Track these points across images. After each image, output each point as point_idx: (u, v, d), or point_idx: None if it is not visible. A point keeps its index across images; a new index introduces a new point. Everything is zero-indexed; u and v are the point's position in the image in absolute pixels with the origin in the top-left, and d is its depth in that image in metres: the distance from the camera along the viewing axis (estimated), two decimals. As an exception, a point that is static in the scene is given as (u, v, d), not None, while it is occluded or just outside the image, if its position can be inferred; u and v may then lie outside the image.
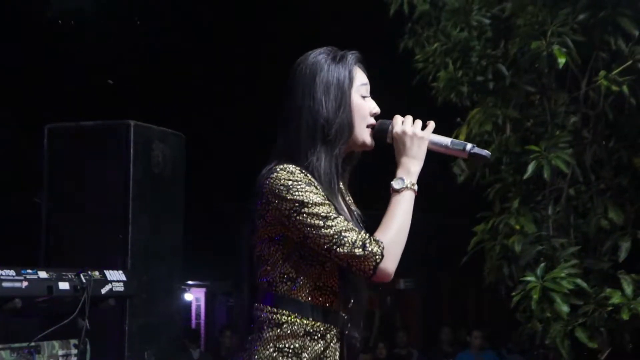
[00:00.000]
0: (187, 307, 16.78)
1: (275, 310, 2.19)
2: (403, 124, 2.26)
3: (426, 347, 11.98)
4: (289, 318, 2.18)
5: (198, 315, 17.42)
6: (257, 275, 2.25)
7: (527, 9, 5.17)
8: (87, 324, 3.63)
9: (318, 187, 2.17)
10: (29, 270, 3.47)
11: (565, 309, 4.69)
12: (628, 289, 4.65)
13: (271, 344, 2.17)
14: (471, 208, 5.81)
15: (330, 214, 2.14)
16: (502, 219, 5.26)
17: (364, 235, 2.14)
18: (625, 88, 4.75)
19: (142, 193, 4.32)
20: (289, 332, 2.17)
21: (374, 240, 2.13)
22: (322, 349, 2.19)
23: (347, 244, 2.11)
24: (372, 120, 2.30)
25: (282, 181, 2.16)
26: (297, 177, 2.16)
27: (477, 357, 9.62)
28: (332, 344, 2.22)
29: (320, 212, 2.13)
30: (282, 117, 2.28)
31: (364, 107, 2.29)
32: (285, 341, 2.17)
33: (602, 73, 4.84)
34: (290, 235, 2.18)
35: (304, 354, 2.17)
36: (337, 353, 2.24)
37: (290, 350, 2.16)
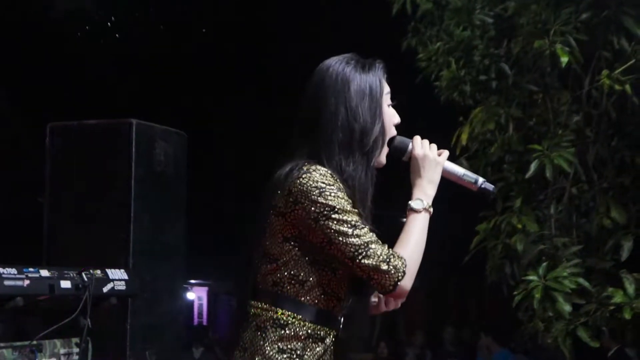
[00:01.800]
0: (190, 306, 16.79)
1: (279, 310, 2.18)
2: (423, 147, 2.30)
3: (430, 347, 11.98)
4: (293, 320, 2.17)
5: (200, 313, 17.43)
6: (259, 272, 2.23)
7: (530, 8, 5.16)
8: (89, 323, 3.62)
9: (349, 195, 2.17)
10: (31, 269, 3.46)
11: (567, 308, 4.68)
12: (630, 288, 4.64)
13: (275, 345, 2.16)
14: (474, 207, 5.80)
15: (359, 223, 2.14)
16: (504, 218, 5.26)
17: (388, 250, 2.15)
18: (628, 87, 4.74)
19: (144, 192, 4.31)
20: (292, 333, 2.17)
21: (398, 256, 2.14)
22: (322, 351, 2.20)
23: (374, 256, 2.12)
24: (394, 131, 2.33)
25: (315, 183, 2.13)
26: (330, 181, 2.15)
27: (492, 357, 9.63)
28: (330, 347, 2.23)
29: (349, 219, 2.13)
30: (309, 123, 2.26)
31: (390, 116, 2.31)
32: (288, 342, 2.16)
33: (605, 72, 4.83)
34: (312, 238, 2.16)
35: (306, 356, 2.17)
36: (332, 356, 2.25)
37: (293, 352, 2.16)
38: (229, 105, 11.86)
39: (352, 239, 2.11)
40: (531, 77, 5.41)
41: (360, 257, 2.11)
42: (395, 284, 2.12)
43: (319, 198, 2.12)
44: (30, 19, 9.78)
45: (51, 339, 3.63)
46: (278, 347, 2.15)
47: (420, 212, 2.23)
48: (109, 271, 3.81)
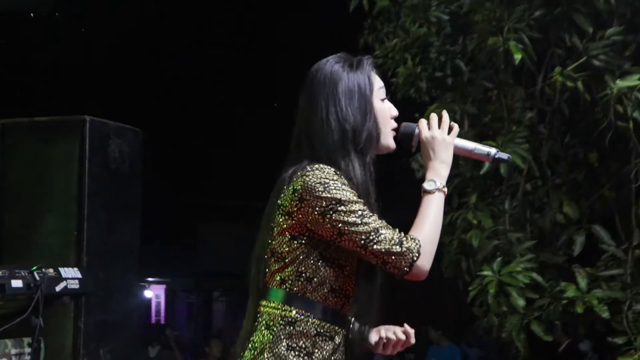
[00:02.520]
0: (147, 304, 16.67)
1: (287, 307, 2.18)
2: (431, 129, 2.29)
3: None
4: (302, 317, 2.17)
5: (158, 312, 17.32)
6: (268, 272, 2.24)
7: (485, 5, 5.20)
8: (41, 322, 3.58)
9: (352, 188, 2.18)
10: (-19, 268, 3.41)
11: (521, 302, 4.74)
12: (582, 283, 4.71)
13: (284, 342, 2.16)
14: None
15: (366, 212, 2.14)
16: (460, 214, 5.30)
17: (400, 233, 2.15)
18: (580, 84, 4.80)
19: (98, 189, 4.27)
20: (301, 330, 2.16)
21: (411, 237, 2.14)
22: (332, 350, 2.19)
23: (385, 241, 2.12)
24: (394, 123, 2.32)
25: (318, 179, 2.15)
26: (333, 176, 2.16)
27: (440, 351, 9.74)
28: (340, 346, 2.22)
29: (356, 209, 2.13)
30: (305, 127, 2.27)
31: (385, 110, 2.30)
32: (297, 339, 2.16)
33: (558, 69, 4.89)
34: (321, 233, 2.16)
35: (316, 354, 2.16)
36: (343, 356, 2.25)
37: (303, 349, 2.16)
38: (189, 102, 11.80)
39: (362, 227, 2.12)
40: (486, 74, 5.46)
41: (371, 244, 2.12)
42: (411, 265, 2.12)
43: (323, 193, 2.14)
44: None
45: (2, 339, 3.58)
46: (287, 344, 2.15)
47: (434, 193, 2.23)
48: (61, 270, 3.76)
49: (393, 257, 2.13)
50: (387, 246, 2.12)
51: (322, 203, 2.14)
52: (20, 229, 4.29)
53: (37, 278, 3.57)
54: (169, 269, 15.56)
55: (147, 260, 4.81)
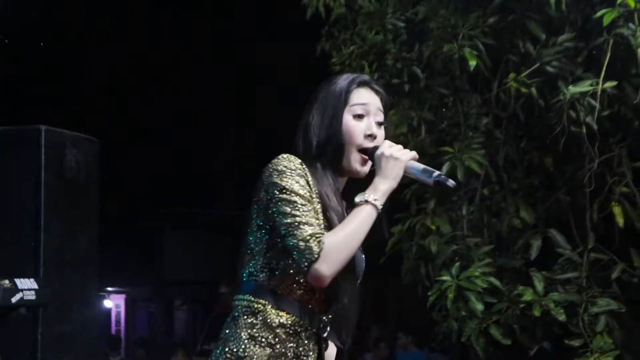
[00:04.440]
0: (107, 314, 16.51)
1: (252, 299, 2.20)
2: (385, 147, 2.27)
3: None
4: (265, 307, 2.18)
5: (118, 321, 17.16)
6: (242, 264, 2.26)
7: (440, 13, 5.25)
8: (-3, 334, 3.54)
9: (310, 184, 2.20)
10: None
11: (479, 307, 4.78)
12: (539, 286, 4.77)
13: (246, 331, 2.17)
14: (389, 209, 5.85)
15: (302, 207, 2.15)
16: (419, 219, 5.33)
17: (316, 232, 2.14)
18: (534, 90, 4.87)
19: (54, 198, 4.23)
20: (262, 321, 2.18)
21: (318, 240, 2.12)
22: (296, 345, 2.19)
23: (297, 236, 2.12)
24: (366, 143, 2.30)
25: (277, 166, 2.20)
26: (293, 166, 2.20)
27: (407, 357, 9.81)
28: (307, 343, 2.22)
29: (294, 200, 2.15)
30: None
31: (354, 127, 2.29)
32: (259, 330, 2.17)
33: (512, 75, 4.95)
34: (272, 221, 2.19)
35: (277, 346, 2.17)
36: (313, 355, 2.24)
37: (264, 340, 2.16)
38: (145, 111, 11.72)
39: (288, 219, 2.14)
40: (442, 81, 5.50)
41: (288, 236, 2.14)
42: (309, 265, 2.11)
43: (276, 179, 2.18)
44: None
45: (-43, 351, 3.53)
46: (249, 334, 2.17)
47: (360, 205, 2.20)
48: (17, 281, 3.72)
49: (296, 254, 2.13)
50: (295, 241, 2.13)
51: (270, 188, 2.18)
52: (-25, 240, 4.23)
53: (-7, 290, 3.53)
54: (129, 278, 15.42)
55: (107, 270, 4.77)
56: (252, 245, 2.24)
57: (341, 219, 2.21)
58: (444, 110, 5.65)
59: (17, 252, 4.13)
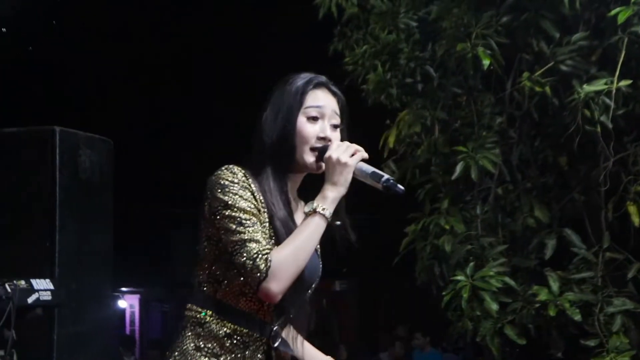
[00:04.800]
0: (121, 314, 16.57)
1: (199, 309, 2.19)
2: (336, 150, 2.21)
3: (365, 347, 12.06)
4: (211, 319, 2.17)
5: (132, 322, 17.21)
6: (193, 275, 2.25)
7: (453, 12, 5.24)
8: (14, 335, 3.56)
9: (255, 195, 2.16)
10: (-49, 281, 3.39)
11: (494, 307, 4.77)
12: (554, 286, 4.75)
13: (192, 342, 2.17)
14: (402, 209, 5.86)
15: (247, 222, 2.12)
16: (433, 219, 5.32)
17: (264, 249, 2.10)
18: (547, 89, 4.85)
19: (69, 200, 4.25)
20: (209, 332, 2.17)
21: (265, 257, 2.09)
22: (242, 356, 2.17)
23: (244, 254, 2.10)
24: (318, 144, 2.25)
25: (220, 179, 2.17)
26: (236, 178, 2.17)
27: (423, 356, 9.83)
28: (256, 354, 2.20)
29: (238, 216, 2.12)
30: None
31: (306, 129, 2.25)
32: (205, 341, 2.17)
33: (526, 74, 4.94)
34: (216, 234, 2.17)
35: (223, 357, 2.16)
36: None
37: (210, 351, 2.16)
38: (160, 111, 11.76)
39: (234, 236, 2.11)
40: (455, 80, 5.49)
41: (235, 254, 2.11)
42: (258, 284, 2.09)
43: (219, 194, 2.15)
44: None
45: (-26, 352, 3.55)
46: (195, 344, 2.16)
47: (309, 215, 2.17)
48: (33, 281, 3.74)
49: (245, 273, 2.11)
50: (242, 260, 2.10)
51: (214, 203, 2.16)
52: (-9, 240, 4.25)
53: (9, 290, 3.56)
54: (143, 279, 15.48)
55: (121, 270, 4.78)
56: (201, 255, 2.23)
57: (288, 227, 2.18)
58: (457, 109, 5.63)
59: (32, 252, 4.14)
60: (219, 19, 10.49)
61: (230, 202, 2.13)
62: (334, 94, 2.32)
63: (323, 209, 2.16)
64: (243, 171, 2.19)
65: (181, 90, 11.29)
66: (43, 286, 3.78)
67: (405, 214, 5.69)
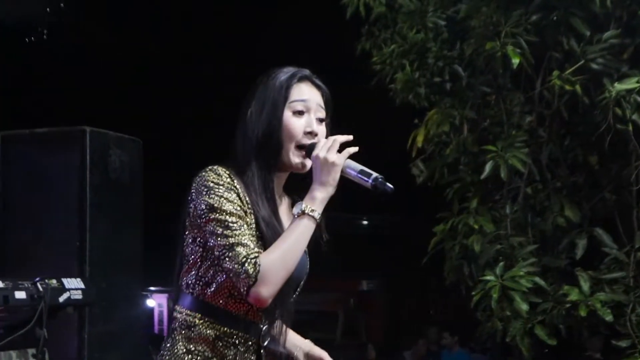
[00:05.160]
0: (150, 313, 16.66)
1: (189, 312, 2.17)
2: (322, 148, 2.16)
3: (389, 347, 12.04)
4: (201, 321, 2.15)
5: (161, 321, 17.30)
6: (180, 276, 2.23)
7: (482, 10, 5.21)
8: (45, 333, 3.59)
9: (241, 196, 2.13)
10: (-16, 280, 3.42)
11: (524, 307, 4.74)
12: (585, 286, 4.71)
13: (182, 345, 2.15)
14: (431, 208, 5.84)
15: (234, 225, 2.09)
16: (461, 218, 5.29)
17: (252, 253, 2.07)
18: (578, 87, 4.81)
19: (99, 199, 4.29)
20: (199, 334, 2.15)
21: (253, 262, 2.06)
22: (233, 356, 2.16)
23: (232, 259, 2.07)
24: (305, 140, 2.21)
25: (206, 181, 2.14)
26: (221, 180, 2.13)
27: (451, 357, 9.81)
28: (246, 355, 2.19)
29: (225, 219, 2.09)
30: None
31: (293, 124, 2.21)
32: (195, 343, 2.15)
33: (556, 73, 4.89)
34: (203, 236, 2.15)
35: (213, 359, 2.15)
36: None
37: (200, 353, 2.15)
38: (188, 111, 11.81)
39: (222, 240, 2.08)
40: (484, 79, 5.46)
41: (224, 259, 2.08)
42: (248, 289, 2.06)
43: (205, 196, 2.12)
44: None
45: (6, 350, 3.59)
46: (186, 347, 2.15)
47: (298, 216, 2.12)
48: (65, 280, 3.77)
49: (234, 278, 2.08)
50: (232, 265, 2.06)
51: (201, 206, 2.13)
52: (23, 240, 4.30)
53: (41, 289, 3.59)
54: (171, 277, 15.54)
55: (150, 269, 4.81)
56: (188, 256, 2.20)
57: (272, 227, 2.15)
58: (486, 108, 5.60)
59: (64, 252, 4.19)
60: (243, 22, 10.52)
61: (216, 205, 2.10)
62: (318, 87, 2.28)
63: (312, 211, 2.12)
64: (227, 172, 2.16)
65: (214, 89, 11.33)
66: (74, 285, 3.81)
67: (434, 213, 5.67)
